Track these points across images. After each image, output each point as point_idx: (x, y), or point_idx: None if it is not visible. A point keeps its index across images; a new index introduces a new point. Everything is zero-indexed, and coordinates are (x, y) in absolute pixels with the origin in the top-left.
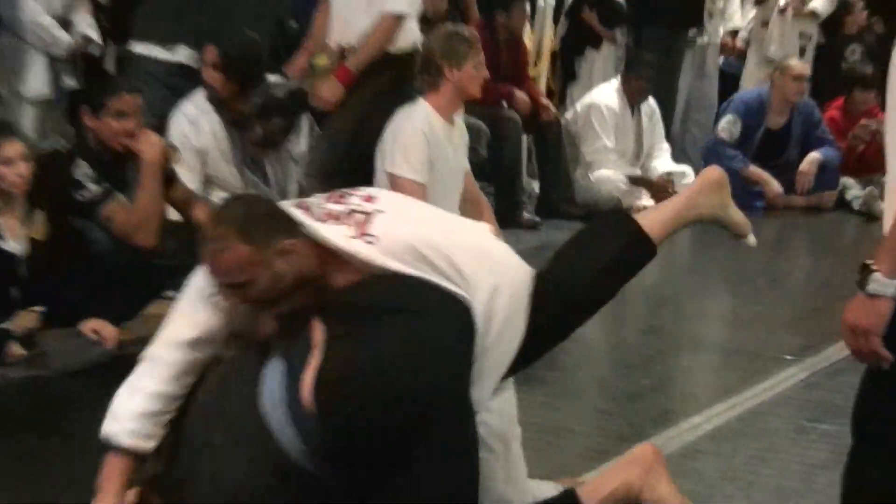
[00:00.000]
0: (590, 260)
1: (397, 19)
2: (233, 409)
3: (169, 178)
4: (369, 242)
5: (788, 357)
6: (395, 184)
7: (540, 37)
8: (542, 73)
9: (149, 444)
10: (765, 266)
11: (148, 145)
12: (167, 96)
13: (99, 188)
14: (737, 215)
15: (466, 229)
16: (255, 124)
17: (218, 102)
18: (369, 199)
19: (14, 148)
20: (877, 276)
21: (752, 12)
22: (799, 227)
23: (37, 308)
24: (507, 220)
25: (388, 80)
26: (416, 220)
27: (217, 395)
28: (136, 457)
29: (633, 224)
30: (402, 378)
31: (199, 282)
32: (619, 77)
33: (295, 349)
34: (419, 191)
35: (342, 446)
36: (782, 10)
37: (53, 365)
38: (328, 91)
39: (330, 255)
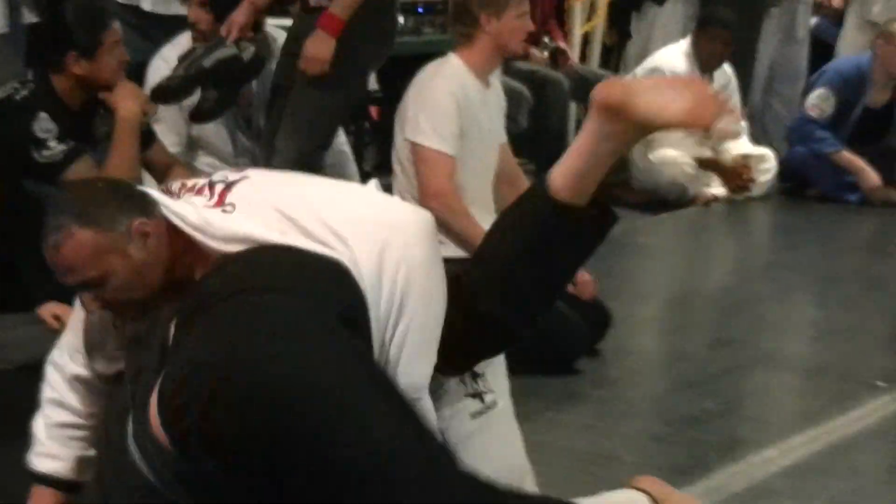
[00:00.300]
0: (510, 251)
1: None
2: (113, 442)
3: (145, 138)
4: (225, 212)
5: (882, 383)
6: (420, 156)
7: None
8: (597, 29)
9: (56, 465)
10: (859, 270)
11: (126, 97)
12: (137, 42)
13: (63, 146)
14: (666, 114)
15: (346, 188)
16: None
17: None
18: (237, 170)
19: None
20: None
21: None
22: None
23: None
24: None
25: (372, 28)
26: (284, 184)
27: (105, 425)
28: (59, 485)
29: (544, 199)
30: (255, 373)
31: None
32: (688, 38)
33: (145, 366)
34: (449, 163)
35: (204, 474)
36: None
37: (8, 356)
38: (316, 47)
39: (190, 242)
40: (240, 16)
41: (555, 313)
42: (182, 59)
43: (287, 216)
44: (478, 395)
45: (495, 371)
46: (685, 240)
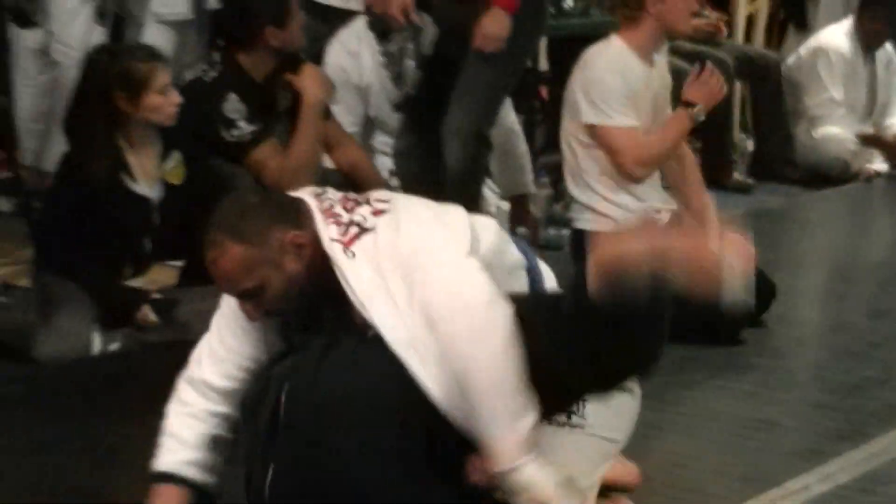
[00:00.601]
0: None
1: None
2: None
3: (324, 113)
4: (347, 256)
5: None
6: (605, 136)
7: None
8: (761, 10)
9: (196, 474)
10: None
11: (312, 81)
12: (316, 29)
13: (251, 127)
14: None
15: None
16: None
17: (381, 32)
18: (377, 213)
19: (167, 75)
20: None
21: None
22: None
23: (174, 262)
24: (714, 180)
25: (530, 5)
26: (402, 243)
27: None
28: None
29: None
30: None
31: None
32: (850, 17)
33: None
34: (634, 133)
35: None
36: None
37: (194, 328)
38: (494, 25)
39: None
40: None
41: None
42: (391, 62)
43: (386, 287)
44: (567, 413)
45: (612, 416)
46: (847, 214)
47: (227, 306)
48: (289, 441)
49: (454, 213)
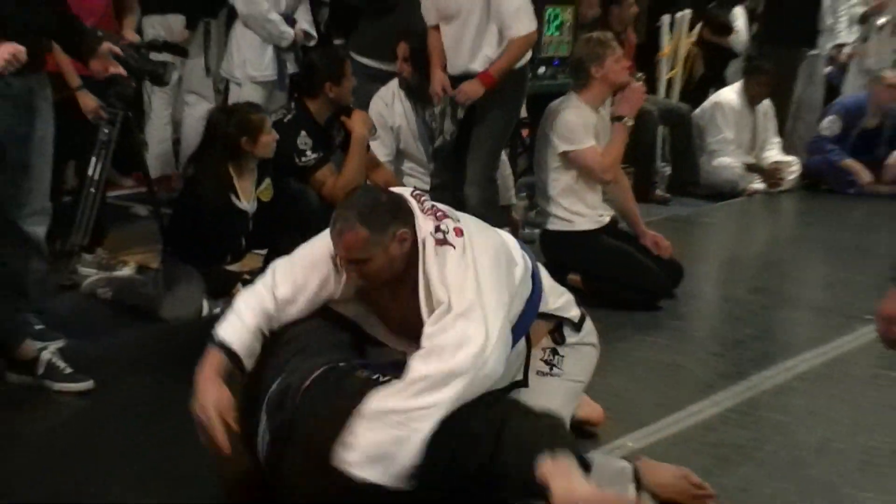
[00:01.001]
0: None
1: (530, 37)
2: None
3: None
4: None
5: (868, 316)
6: (578, 157)
7: (677, 44)
8: (677, 76)
9: (248, 360)
10: (854, 241)
11: (360, 122)
12: (363, 86)
13: (315, 155)
14: None
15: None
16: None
17: (408, 89)
18: (458, 231)
19: (269, 120)
20: None
21: (857, 29)
22: (884, 211)
23: (260, 251)
24: (642, 195)
25: (519, 81)
26: (455, 273)
27: None
28: (235, 364)
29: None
30: None
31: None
32: (741, 81)
33: None
34: (597, 152)
35: None
36: (880, 28)
37: None
38: (470, 87)
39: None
40: (442, 77)
41: (644, 268)
42: (436, 122)
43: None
44: (549, 364)
45: (581, 364)
46: (736, 220)
47: (324, 249)
48: (298, 443)
49: (512, 256)
